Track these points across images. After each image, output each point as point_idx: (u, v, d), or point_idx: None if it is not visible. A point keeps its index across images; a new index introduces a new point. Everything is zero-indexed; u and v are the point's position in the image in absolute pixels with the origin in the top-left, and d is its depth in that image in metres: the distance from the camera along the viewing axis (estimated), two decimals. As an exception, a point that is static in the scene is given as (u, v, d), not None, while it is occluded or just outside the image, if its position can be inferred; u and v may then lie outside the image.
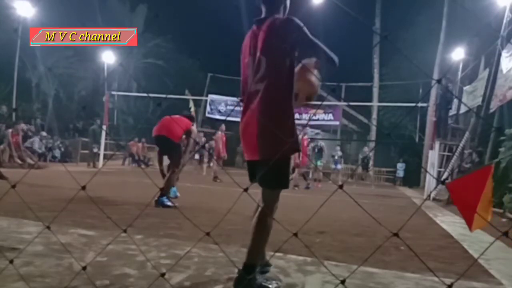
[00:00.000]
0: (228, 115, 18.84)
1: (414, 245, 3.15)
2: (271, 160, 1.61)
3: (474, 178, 1.49)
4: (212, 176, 10.27)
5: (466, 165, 8.39)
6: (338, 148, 15.22)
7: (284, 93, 1.76)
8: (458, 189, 1.45)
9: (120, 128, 21.88)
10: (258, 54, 1.78)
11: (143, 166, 15.51)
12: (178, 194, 5.26)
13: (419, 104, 15.06)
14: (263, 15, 1.86)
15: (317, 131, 20.37)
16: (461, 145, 9.55)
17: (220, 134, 10.21)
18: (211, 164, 10.91)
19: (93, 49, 15.23)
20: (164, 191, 4.48)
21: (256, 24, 1.86)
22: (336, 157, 14.20)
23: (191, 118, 4.99)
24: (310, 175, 10.45)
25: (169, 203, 4.38)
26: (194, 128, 4.88)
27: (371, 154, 14.17)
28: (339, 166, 14.48)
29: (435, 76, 13.99)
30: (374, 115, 19.82)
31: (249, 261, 1.78)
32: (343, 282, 1.15)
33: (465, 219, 1.42)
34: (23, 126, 10.90)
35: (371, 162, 14.43)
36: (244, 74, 1.88)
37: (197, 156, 13.01)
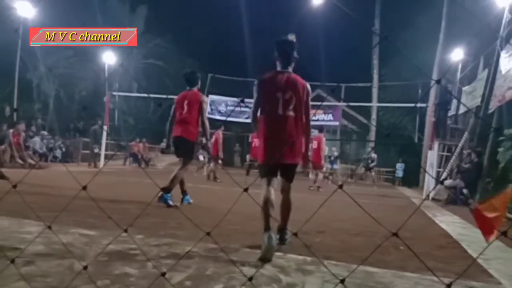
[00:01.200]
0: (228, 116, 18.85)
1: (414, 244, 3.16)
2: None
3: (496, 201, 1.51)
4: (212, 176, 10.26)
5: (465, 165, 8.41)
6: (334, 149, 15.30)
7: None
8: (481, 215, 1.48)
9: (121, 128, 21.89)
10: (290, 93, 2.72)
11: (143, 165, 15.52)
12: (191, 201, 4.95)
13: (418, 105, 15.07)
14: (288, 68, 2.84)
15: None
16: (460, 145, 9.56)
17: (218, 134, 10.24)
18: (211, 164, 10.91)
19: (93, 49, 15.24)
20: (169, 188, 4.40)
21: (282, 71, 2.83)
22: (332, 158, 14.26)
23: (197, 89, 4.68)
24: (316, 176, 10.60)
25: (171, 202, 4.35)
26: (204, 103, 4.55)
27: (375, 155, 14.11)
28: (335, 166, 14.54)
29: (435, 76, 14.00)
30: (374, 116, 19.84)
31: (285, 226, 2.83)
32: (342, 281, 1.17)
33: (483, 232, 1.46)
34: (22, 126, 10.90)
35: (375, 163, 14.37)
36: (271, 95, 2.75)
37: (201, 158, 12.97)
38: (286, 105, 2.69)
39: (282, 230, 2.81)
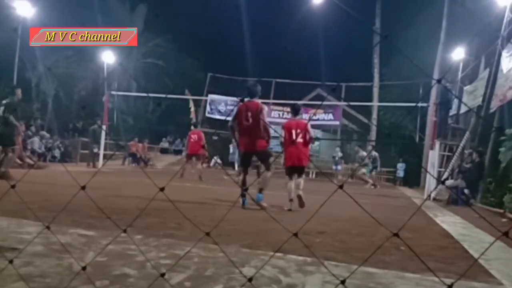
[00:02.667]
0: (228, 115, 18.83)
1: (414, 245, 3.15)
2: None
3: None
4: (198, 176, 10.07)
5: (466, 165, 8.39)
6: (338, 149, 15.18)
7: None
8: None
9: (120, 128, 21.88)
10: (251, 115, 4.67)
11: (142, 165, 15.51)
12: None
13: (419, 104, 15.06)
14: (252, 99, 4.83)
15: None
16: (461, 145, 9.55)
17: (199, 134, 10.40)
18: (211, 164, 10.93)
19: (93, 49, 15.23)
20: (261, 189, 4.79)
21: (248, 100, 4.75)
22: (336, 158, 14.20)
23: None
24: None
25: (264, 204, 4.72)
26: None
27: (376, 154, 13.65)
28: (339, 167, 14.47)
29: (436, 76, 13.98)
30: (374, 115, 19.81)
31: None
32: (343, 282, 1.15)
33: None
34: (21, 126, 10.87)
35: (377, 163, 13.97)
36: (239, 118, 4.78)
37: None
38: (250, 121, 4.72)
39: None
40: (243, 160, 5.05)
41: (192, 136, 10.26)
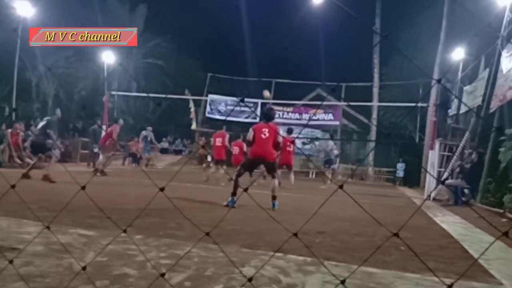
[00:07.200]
0: (228, 115, 18.81)
1: (414, 245, 3.15)
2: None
3: None
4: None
5: (466, 165, 8.39)
6: (334, 146, 15.01)
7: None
8: None
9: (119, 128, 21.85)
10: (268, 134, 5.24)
11: (142, 165, 15.50)
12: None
13: (419, 104, 15.04)
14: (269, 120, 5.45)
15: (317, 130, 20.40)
16: (461, 145, 9.54)
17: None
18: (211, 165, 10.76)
19: (93, 49, 15.23)
20: (275, 196, 5.17)
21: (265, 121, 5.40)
22: (332, 157, 14.10)
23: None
24: None
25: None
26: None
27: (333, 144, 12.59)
28: (335, 166, 14.33)
29: (435, 76, 13.98)
30: (374, 115, 19.80)
31: None
32: (343, 282, 1.15)
33: None
34: (21, 126, 10.87)
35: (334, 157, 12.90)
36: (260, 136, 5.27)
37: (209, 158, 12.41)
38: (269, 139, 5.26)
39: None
40: (249, 164, 5.54)
41: (217, 139, 9.41)
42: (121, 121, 10.47)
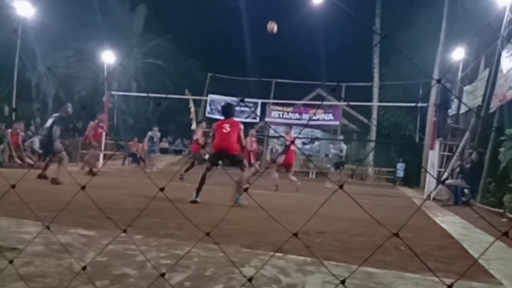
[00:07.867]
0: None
1: (414, 245, 3.15)
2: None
3: None
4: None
5: (466, 165, 8.39)
6: (331, 146, 15.02)
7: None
8: None
9: (120, 128, 21.88)
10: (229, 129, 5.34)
11: (142, 165, 15.50)
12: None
13: (419, 104, 15.04)
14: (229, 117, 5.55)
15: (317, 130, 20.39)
16: (461, 145, 9.54)
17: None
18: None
19: (93, 49, 15.23)
20: (239, 191, 5.07)
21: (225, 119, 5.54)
22: (330, 156, 14.07)
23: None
24: None
25: (243, 202, 4.92)
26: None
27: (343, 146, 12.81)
28: (329, 166, 14.30)
29: (435, 76, 13.98)
30: (374, 115, 19.80)
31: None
32: (343, 282, 1.15)
33: None
34: (21, 126, 10.87)
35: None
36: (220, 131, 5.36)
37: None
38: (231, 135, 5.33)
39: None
40: (214, 159, 5.58)
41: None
42: (101, 117, 10.39)
